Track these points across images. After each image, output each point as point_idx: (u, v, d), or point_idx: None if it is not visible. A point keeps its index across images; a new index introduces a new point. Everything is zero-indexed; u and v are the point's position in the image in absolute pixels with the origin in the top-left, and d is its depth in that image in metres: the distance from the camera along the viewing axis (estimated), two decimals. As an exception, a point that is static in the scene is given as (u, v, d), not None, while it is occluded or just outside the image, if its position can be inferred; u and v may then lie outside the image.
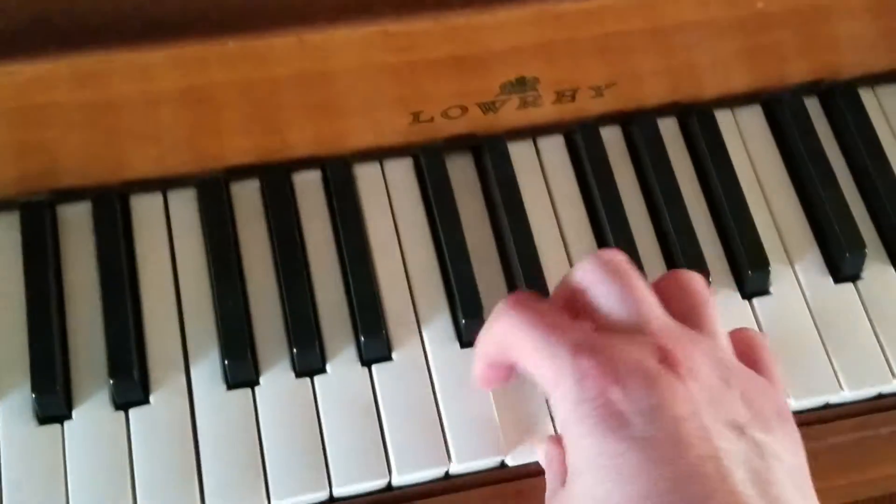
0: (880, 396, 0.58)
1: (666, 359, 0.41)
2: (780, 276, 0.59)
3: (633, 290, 0.44)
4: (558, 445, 0.45)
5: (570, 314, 0.45)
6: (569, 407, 0.41)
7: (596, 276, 0.45)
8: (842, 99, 0.64)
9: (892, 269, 0.60)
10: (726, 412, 0.40)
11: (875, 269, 0.60)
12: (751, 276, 0.58)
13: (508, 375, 0.50)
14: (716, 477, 0.38)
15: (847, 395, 0.56)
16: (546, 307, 0.45)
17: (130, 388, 0.52)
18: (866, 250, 0.59)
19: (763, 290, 0.59)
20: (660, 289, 0.46)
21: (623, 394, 0.39)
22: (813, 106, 0.65)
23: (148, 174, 0.57)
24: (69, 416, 0.52)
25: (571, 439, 0.41)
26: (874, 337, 0.57)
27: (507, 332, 0.45)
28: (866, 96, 0.65)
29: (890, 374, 0.56)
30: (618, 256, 0.46)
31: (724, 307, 0.58)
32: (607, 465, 0.39)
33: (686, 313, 0.45)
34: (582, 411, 0.40)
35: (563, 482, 0.43)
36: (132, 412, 0.52)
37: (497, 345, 0.46)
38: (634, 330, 0.43)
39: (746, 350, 0.46)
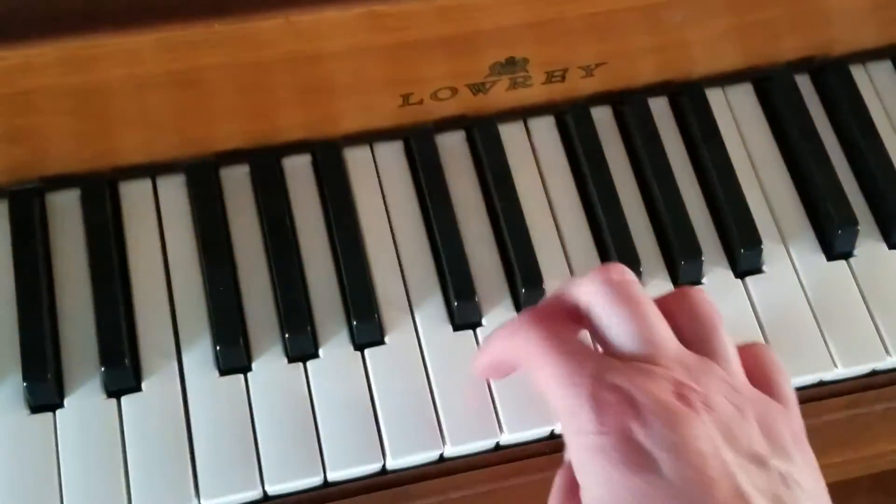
0: (874, 373, 0.58)
1: (682, 393, 0.40)
2: (773, 255, 0.59)
3: (644, 319, 0.43)
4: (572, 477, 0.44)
5: (576, 325, 0.44)
6: (587, 441, 0.40)
7: (606, 300, 0.44)
8: (833, 76, 0.64)
9: (885, 246, 0.60)
10: (747, 444, 0.40)
11: (867, 246, 0.59)
12: (743, 254, 0.58)
13: (509, 373, 0.50)
14: None
15: (841, 372, 0.56)
16: (568, 332, 0.44)
17: (122, 376, 0.52)
18: (858, 227, 0.59)
19: (756, 269, 0.58)
20: (668, 311, 0.45)
21: (644, 430, 0.39)
22: (804, 83, 0.65)
23: (137, 160, 0.57)
24: (61, 405, 0.52)
25: (591, 474, 0.40)
26: (867, 314, 0.57)
27: (526, 348, 0.44)
28: (857, 73, 0.65)
29: (883, 350, 0.56)
30: (627, 277, 0.45)
31: (717, 286, 0.58)
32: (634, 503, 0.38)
33: (697, 338, 0.44)
34: (602, 445, 0.39)
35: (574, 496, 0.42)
36: (124, 399, 0.52)
37: (511, 354, 0.46)
38: (647, 360, 0.42)
39: (756, 369, 0.45)
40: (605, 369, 0.41)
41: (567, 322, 0.45)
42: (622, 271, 0.45)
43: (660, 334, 0.43)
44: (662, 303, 0.45)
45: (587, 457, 0.40)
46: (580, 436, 0.40)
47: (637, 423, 0.39)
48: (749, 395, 0.42)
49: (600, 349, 0.44)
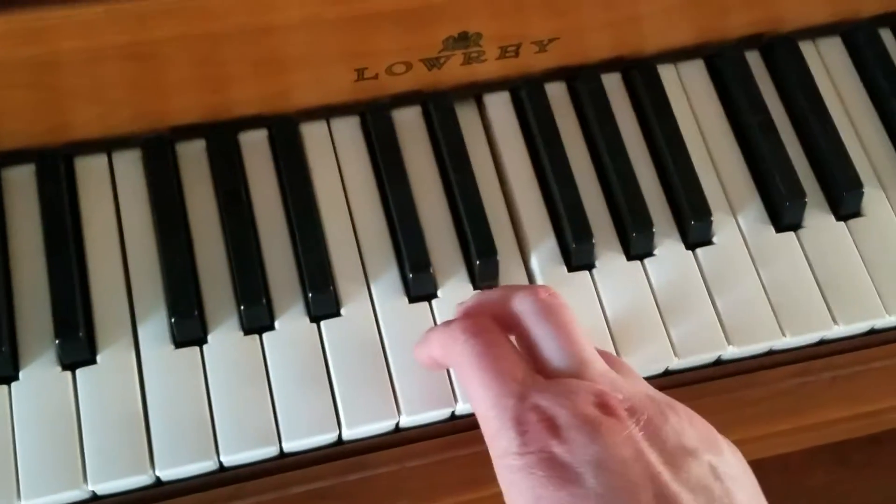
0: (821, 342, 0.59)
1: (605, 402, 0.42)
2: (723, 226, 0.60)
3: (570, 335, 0.45)
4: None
5: (507, 334, 0.46)
6: (512, 462, 0.41)
7: (535, 318, 0.46)
8: (782, 52, 0.65)
9: (833, 218, 0.61)
10: (675, 441, 0.41)
11: (816, 218, 0.60)
12: (693, 226, 0.58)
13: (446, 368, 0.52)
14: None
15: (789, 341, 0.57)
16: (501, 345, 0.45)
17: (77, 348, 0.52)
18: (806, 200, 0.60)
19: (706, 240, 0.59)
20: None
21: (566, 447, 0.40)
22: (754, 60, 0.66)
23: (92, 134, 0.57)
24: (16, 377, 0.52)
25: (518, 494, 0.41)
26: (815, 284, 0.58)
27: (459, 361, 0.46)
28: (807, 49, 0.66)
29: (831, 319, 0.57)
30: (555, 298, 0.47)
31: (669, 257, 0.58)
32: None
33: (609, 363, 0.46)
34: (526, 464, 0.40)
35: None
36: (79, 372, 0.53)
37: (445, 358, 0.48)
38: (573, 375, 0.44)
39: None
40: (528, 390, 0.43)
41: (501, 332, 0.46)
42: (551, 293, 0.47)
43: (586, 351, 0.45)
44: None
45: (513, 477, 0.41)
46: (506, 457, 0.42)
47: (558, 441, 0.40)
48: (665, 399, 0.44)
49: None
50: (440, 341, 0.48)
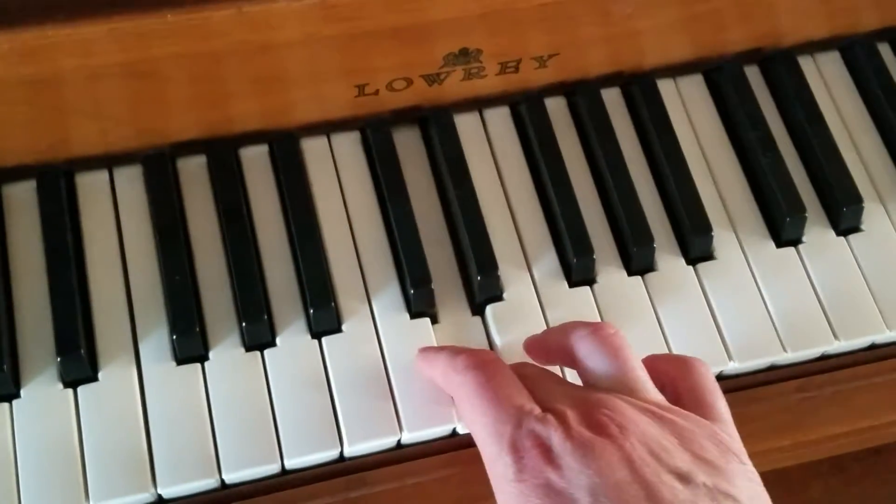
0: (823, 357, 0.59)
1: (597, 424, 0.42)
2: (724, 242, 0.60)
3: (626, 363, 0.46)
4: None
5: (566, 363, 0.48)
6: (509, 488, 0.42)
7: (592, 352, 0.47)
8: (781, 66, 0.65)
9: (833, 233, 0.61)
10: (668, 462, 0.41)
11: (815, 233, 0.61)
12: (694, 241, 0.58)
13: None
14: None
15: (790, 356, 0.57)
16: (502, 376, 0.46)
17: (78, 366, 0.52)
18: (806, 215, 0.60)
19: (707, 256, 0.59)
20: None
21: (560, 473, 0.41)
22: (753, 74, 0.66)
23: (93, 151, 0.57)
24: (17, 395, 0.52)
25: None
26: (816, 299, 0.58)
27: (459, 388, 0.47)
28: (806, 63, 0.66)
29: (832, 334, 0.57)
30: (618, 336, 0.48)
31: (669, 273, 0.59)
32: None
33: (608, 368, 0.46)
34: (522, 491, 0.41)
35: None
36: (81, 389, 0.52)
37: (445, 386, 0.49)
38: (564, 398, 0.44)
39: (686, 388, 0.47)
40: (524, 417, 0.43)
41: (504, 365, 0.47)
42: (615, 331, 0.48)
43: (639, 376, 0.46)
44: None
45: (510, 503, 0.42)
46: (502, 483, 0.42)
47: (552, 467, 0.41)
48: (667, 415, 0.43)
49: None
50: (443, 370, 0.49)
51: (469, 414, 0.46)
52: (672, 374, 0.48)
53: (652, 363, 0.48)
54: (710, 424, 0.44)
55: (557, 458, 0.41)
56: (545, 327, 0.56)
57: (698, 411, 0.45)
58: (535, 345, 0.52)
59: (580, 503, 0.39)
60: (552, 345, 0.50)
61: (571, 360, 0.48)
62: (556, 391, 0.45)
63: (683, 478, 0.40)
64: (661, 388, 0.46)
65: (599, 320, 0.55)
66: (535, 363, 0.50)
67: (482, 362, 0.47)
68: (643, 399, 0.45)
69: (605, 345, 0.47)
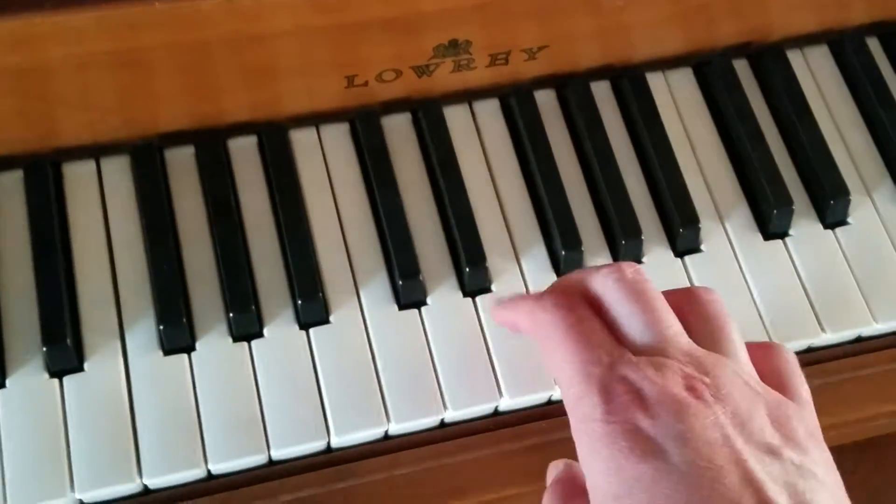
0: (809, 350, 0.59)
1: (692, 385, 0.41)
2: (711, 234, 0.60)
3: (656, 313, 0.44)
4: (570, 470, 0.45)
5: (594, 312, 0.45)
6: (594, 428, 0.40)
7: (620, 294, 0.45)
8: (770, 61, 0.65)
9: (820, 226, 0.61)
10: (759, 435, 0.40)
11: (803, 226, 0.61)
12: (682, 233, 0.59)
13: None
14: (755, 500, 0.38)
15: (777, 349, 0.57)
16: (590, 320, 0.44)
17: (64, 355, 0.52)
18: (794, 207, 0.60)
19: (694, 248, 0.60)
20: (678, 308, 0.46)
21: (652, 421, 0.40)
22: (742, 68, 0.66)
23: (80, 141, 0.57)
24: (2, 385, 0.52)
25: (596, 461, 0.40)
26: (802, 292, 0.59)
27: (546, 329, 0.45)
28: (794, 58, 0.66)
29: (818, 327, 0.58)
30: (639, 275, 0.46)
31: (657, 265, 0.59)
32: (645, 491, 0.39)
33: (707, 335, 0.45)
34: (609, 432, 0.40)
35: None
36: (66, 379, 0.52)
37: (530, 328, 0.47)
38: (658, 353, 0.43)
39: (770, 369, 0.46)
40: (616, 361, 0.42)
41: (588, 309, 0.45)
42: (636, 269, 0.46)
43: (671, 329, 0.44)
44: (672, 300, 0.46)
45: (593, 444, 0.40)
46: (587, 422, 0.41)
47: (644, 414, 0.40)
48: (761, 390, 0.43)
49: None
50: (529, 309, 0.47)
51: (555, 352, 0.44)
52: (756, 355, 0.46)
53: None
54: (797, 407, 0.43)
55: (650, 406, 0.40)
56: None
57: (783, 393, 0.44)
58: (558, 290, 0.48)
59: (668, 453, 0.39)
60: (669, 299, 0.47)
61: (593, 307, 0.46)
62: (644, 339, 0.44)
63: (772, 451, 0.40)
64: None
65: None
66: (615, 302, 0.46)
67: (573, 303, 0.45)
68: (742, 370, 0.43)
69: (711, 309, 0.46)
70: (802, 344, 0.58)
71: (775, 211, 0.59)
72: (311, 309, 0.55)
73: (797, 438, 0.41)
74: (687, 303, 0.46)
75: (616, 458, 0.40)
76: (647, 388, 0.40)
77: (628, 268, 0.46)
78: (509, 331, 0.51)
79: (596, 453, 0.40)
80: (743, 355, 0.45)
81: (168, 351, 0.54)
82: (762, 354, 0.47)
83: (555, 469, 0.49)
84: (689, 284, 0.58)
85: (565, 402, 0.43)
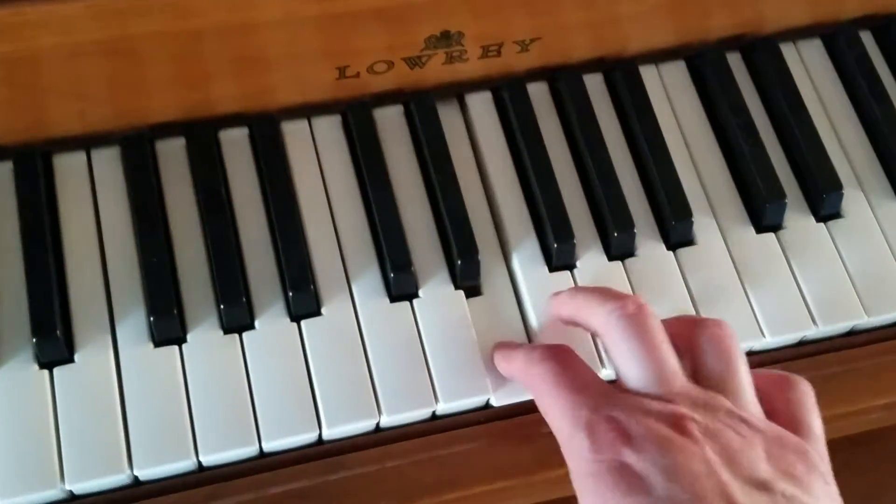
0: (802, 343, 0.59)
1: (681, 424, 0.42)
2: (704, 227, 0.60)
3: (654, 353, 0.45)
4: None
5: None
6: (584, 467, 0.42)
7: (618, 334, 0.46)
8: (763, 53, 0.65)
9: (813, 219, 0.61)
10: (749, 470, 0.41)
11: (796, 219, 0.61)
12: (674, 226, 0.58)
13: None
14: None
15: (769, 341, 0.57)
16: (578, 366, 0.47)
17: (54, 347, 0.52)
18: (786, 201, 0.60)
19: (687, 241, 0.59)
20: (687, 336, 0.47)
21: (637, 456, 0.41)
22: (735, 61, 0.66)
23: (71, 131, 0.56)
24: (-8, 376, 0.52)
25: (588, 498, 0.42)
26: (795, 285, 0.58)
27: (539, 383, 0.47)
28: (787, 50, 0.66)
29: (811, 320, 0.58)
30: (641, 310, 0.47)
31: (649, 258, 0.59)
32: None
33: (713, 369, 0.46)
34: (597, 470, 0.41)
35: None
36: (56, 371, 0.52)
37: (524, 379, 0.49)
38: (654, 394, 0.44)
39: (782, 403, 0.47)
40: (602, 403, 0.44)
41: (575, 357, 0.48)
42: (639, 305, 0.47)
43: (668, 370, 0.45)
44: (682, 327, 0.48)
45: (584, 482, 0.42)
46: (578, 462, 0.43)
47: (630, 450, 0.41)
48: (760, 427, 0.43)
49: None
50: (521, 366, 0.49)
51: (547, 400, 0.46)
52: (770, 388, 0.47)
53: (754, 376, 0.47)
54: (800, 441, 0.44)
55: (635, 441, 0.41)
56: (527, 309, 0.56)
57: (791, 427, 0.45)
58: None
59: (653, 486, 0.40)
60: (671, 331, 0.48)
61: (685, 349, 0.48)
62: (640, 381, 0.45)
63: (761, 485, 0.41)
64: (759, 400, 0.46)
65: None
66: (617, 339, 0.47)
67: (559, 352, 0.47)
68: (740, 406, 0.44)
69: (721, 346, 0.47)
70: (795, 337, 0.58)
71: (768, 204, 0.59)
72: (303, 301, 0.55)
73: (794, 473, 0.42)
74: (696, 333, 0.47)
75: (602, 493, 0.41)
76: (633, 426, 0.42)
77: (632, 304, 0.47)
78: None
79: (586, 490, 0.42)
80: (748, 392, 0.46)
81: (158, 343, 0.53)
82: (776, 386, 0.48)
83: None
84: (681, 278, 0.58)
85: (561, 448, 0.45)
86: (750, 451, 0.42)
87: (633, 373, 0.45)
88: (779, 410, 0.46)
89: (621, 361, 0.46)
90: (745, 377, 0.46)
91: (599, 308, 0.48)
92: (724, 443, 0.42)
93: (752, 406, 0.45)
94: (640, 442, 0.41)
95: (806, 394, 0.48)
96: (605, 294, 0.49)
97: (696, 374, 0.46)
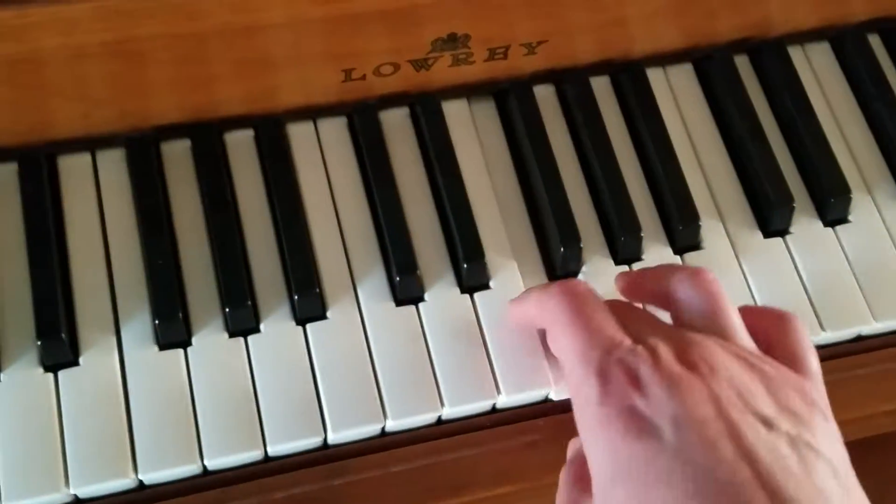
0: (809, 348, 0.59)
1: (687, 362, 0.42)
2: (711, 231, 0.60)
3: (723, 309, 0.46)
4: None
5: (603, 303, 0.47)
6: (592, 411, 0.42)
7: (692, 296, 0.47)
8: (771, 56, 0.65)
9: (820, 223, 0.61)
10: (754, 407, 0.41)
11: (803, 224, 0.60)
12: (681, 230, 0.58)
13: (534, 329, 0.53)
14: (750, 472, 0.38)
15: (776, 346, 0.57)
16: (594, 305, 0.46)
17: (59, 349, 0.52)
18: (794, 205, 0.59)
19: (694, 245, 0.59)
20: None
21: (646, 401, 0.40)
22: (743, 64, 0.66)
23: (75, 133, 0.56)
24: (-4, 379, 0.52)
25: (596, 444, 0.41)
26: (802, 290, 0.58)
27: (552, 316, 0.46)
28: (795, 53, 0.66)
29: (818, 325, 0.57)
30: (715, 283, 0.47)
31: (657, 262, 0.58)
32: (641, 471, 0.39)
33: (703, 314, 0.46)
34: (606, 415, 0.41)
35: (582, 488, 0.46)
36: (61, 374, 0.52)
37: (540, 315, 0.48)
38: (657, 334, 0.44)
39: (779, 340, 0.47)
40: (615, 345, 0.43)
41: (593, 295, 0.47)
42: (713, 277, 0.47)
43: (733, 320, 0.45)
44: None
45: (592, 427, 0.41)
46: (586, 406, 0.42)
47: (638, 395, 0.41)
48: (757, 363, 0.43)
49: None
50: (537, 298, 0.48)
51: (559, 337, 0.45)
52: (765, 325, 0.47)
53: (747, 314, 0.47)
54: (799, 377, 0.44)
55: (644, 387, 0.41)
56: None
57: (789, 364, 0.45)
58: (629, 284, 0.52)
59: (663, 431, 0.39)
60: (648, 284, 0.50)
61: (666, 302, 0.48)
62: (648, 327, 0.45)
63: (767, 422, 0.40)
64: (754, 338, 0.46)
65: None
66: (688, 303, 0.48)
67: (576, 290, 0.46)
68: (736, 345, 0.44)
69: (703, 289, 0.47)
70: (802, 342, 0.58)
71: (776, 208, 0.59)
72: (308, 304, 0.54)
73: (795, 410, 0.41)
74: (682, 282, 0.47)
75: (612, 439, 0.40)
76: (642, 369, 0.41)
77: (706, 272, 0.47)
78: (523, 330, 0.53)
79: (594, 436, 0.41)
80: (742, 332, 0.46)
81: (163, 346, 0.53)
82: (771, 323, 0.47)
83: (573, 446, 0.50)
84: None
85: (568, 388, 0.44)
86: (752, 386, 0.42)
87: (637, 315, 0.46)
88: (775, 347, 0.46)
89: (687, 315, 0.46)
90: (736, 317, 0.46)
91: (669, 277, 0.48)
92: (728, 379, 0.41)
93: (746, 341, 0.45)
94: (648, 385, 0.41)
95: (801, 331, 0.47)
96: (669, 266, 0.50)
97: (681, 319, 0.47)
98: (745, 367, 0.42)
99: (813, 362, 0.46)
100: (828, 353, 0.59)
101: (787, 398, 0.42)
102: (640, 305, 0.51)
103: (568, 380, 0.44)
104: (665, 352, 0.42)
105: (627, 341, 0.43)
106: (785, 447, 0.39)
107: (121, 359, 0.53)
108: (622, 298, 0.52)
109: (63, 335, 0.51)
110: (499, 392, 0.54)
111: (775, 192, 0.60)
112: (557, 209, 0.58)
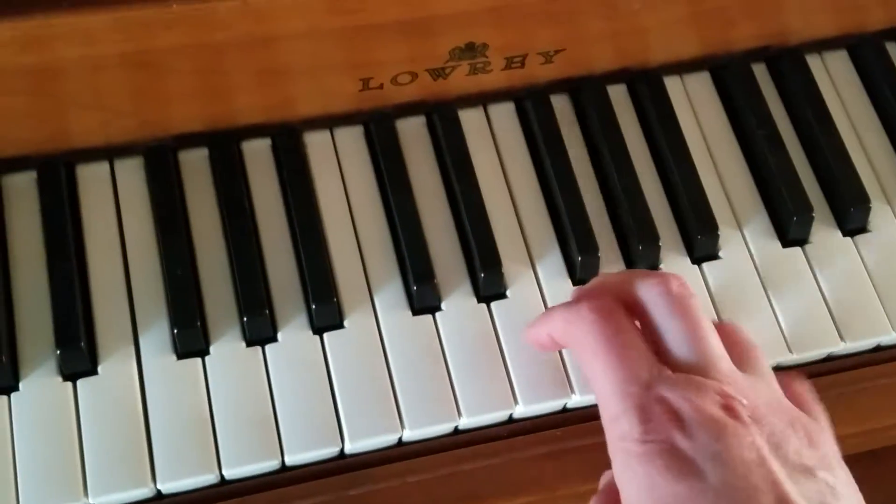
0: (828, 359, 0.58)
1: (730, 405, 0.41)
2: (729, 241, 0.59)
3: (700, 332, 0.45)
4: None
5: (632, 319, 0.45)
6: (630, 447, 0.41)
7: (667, 308, 0.45)
8: (789, 64, 0.64)
9: (839, 233, 0.60)
10: (795, 456, 0.41)
11: (822, 233, 0.60)
12: (700, 240, 0.58)
13: (555, 349, 0.52)
14: None
15: (795, 357, 0.57)
16: (629, 330, 0.44)
17: (78, 358, 0.52)
18: (813, 215, 0.59)
19: (712, 255, 0.59)
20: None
21: (689, 441, 0.40)
22: (761, 72, 0.65)
23: (94, 142, 0.56)
24: (16, 388, 0.52)
25: (633, 480, 0.41)
26: (822, 300, 0.58)
27: (584, 339, 0.45)
28: (813, 62, 0.66)
29: (837, 336, 0.57)
30: (686, 290, 0.46)
31: (674, 271, 0.57)
32: None
33: (740, 360, 0.45)
34: (646, 452, 0.40)
35: None
36: (80, 383, 0.52)
37: (567, 338, 0.47)
38: (699, 372, 0.43)
39: (790, 392, 0.47)
40: (655, 380, 0.42)
41: (628, 317, 0.45)
42: (683, 284, 0.46)
43: (714, 350, 0.44)
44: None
45: (629, 462, 0.41)
46: (624, 441, 0.41)
47: (681, 434, 0.40)
48: (794, 411, 0.43)
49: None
50: (565, 318, 0.47)
51: (593, 367, 0.44)
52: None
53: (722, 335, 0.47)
54: (820, 427, 0.44)
55: (688, 426, 0.40)
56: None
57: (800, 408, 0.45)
58: (590, 293, 0.49)
59: (705, 473, 0.39)
60: (611, 293, 0.47)
61: (631, 311, 0.46)
62: (686, 357, 0.44)
63: (808, 472, 0.40)
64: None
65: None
66: (661, 315, 0.46)
67: (608, 313, 0.45)
68: (731, 379, 0.44)
69: (678, 307, 0.45)
70: (821, 353, 0.57)
71: (794, 218, 0.59)
72: (326, 313, 0.54)
73: (829, 460, 0.42)
74: (650, 292, 0.46)
75: (652, 476, 0.40)
76: (685, 409, 0.41)
77: (675, 281, 0.46)
78: (544, 350, 0.52)
79: (631, 472, 0.41)
80: (773, 379, 0.46)
81: (182, 355, 0.53)
82: (781, 381, 0.47)
83: (605, 478, 0.49)
84: (706, 292, 0.58)
85: (602, 418, 0.43)
86: (793, 436, 0.42)
87: (681, 350, 0.44)
88: (792, 402, 0.46)
89: (668, 337, 0.45)
90: (767, 365, 0.46)
91: (639, 283, 0.46)
92: (770, 427, 0.41)
93: (780, 392, 0.45)
94: (692, 426, 0.40)
95: (808, 387, 0.48)
96: (634, 272, 0.48)
97: (654, 337, 0.45)
98: (785, 416, 0.42)
99: (823, 417, 0.46)
100: (847, 363, 0.59)
101: (824, 448, 0.42)
102: None
103: (602, 412, 0.43)
104: (710, 392, 0.41)
105: (669, 375, 0.42)
106: (824, 496, 0.40)
107: (139, 368, 0.53)
108: None
109: (82, 344, 0.52)
110: (516, 402, 0.54)
111: (794, 201, 0.59)
112: (575, 218, 0.58)
